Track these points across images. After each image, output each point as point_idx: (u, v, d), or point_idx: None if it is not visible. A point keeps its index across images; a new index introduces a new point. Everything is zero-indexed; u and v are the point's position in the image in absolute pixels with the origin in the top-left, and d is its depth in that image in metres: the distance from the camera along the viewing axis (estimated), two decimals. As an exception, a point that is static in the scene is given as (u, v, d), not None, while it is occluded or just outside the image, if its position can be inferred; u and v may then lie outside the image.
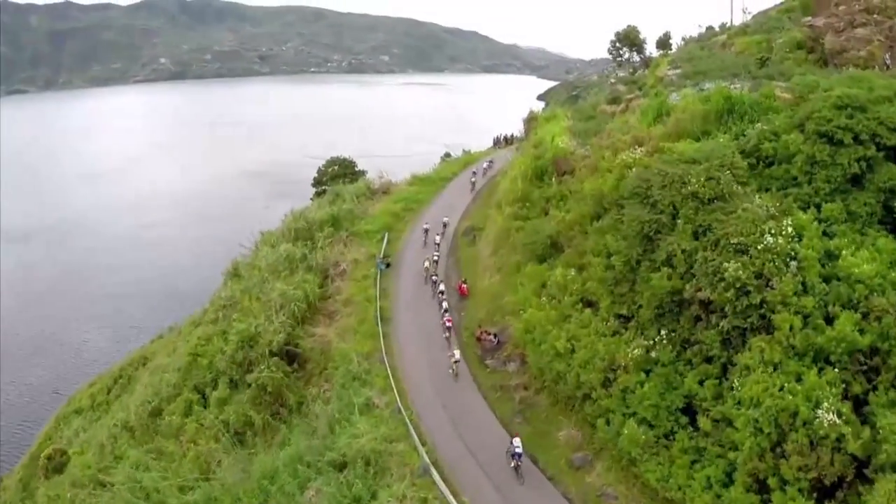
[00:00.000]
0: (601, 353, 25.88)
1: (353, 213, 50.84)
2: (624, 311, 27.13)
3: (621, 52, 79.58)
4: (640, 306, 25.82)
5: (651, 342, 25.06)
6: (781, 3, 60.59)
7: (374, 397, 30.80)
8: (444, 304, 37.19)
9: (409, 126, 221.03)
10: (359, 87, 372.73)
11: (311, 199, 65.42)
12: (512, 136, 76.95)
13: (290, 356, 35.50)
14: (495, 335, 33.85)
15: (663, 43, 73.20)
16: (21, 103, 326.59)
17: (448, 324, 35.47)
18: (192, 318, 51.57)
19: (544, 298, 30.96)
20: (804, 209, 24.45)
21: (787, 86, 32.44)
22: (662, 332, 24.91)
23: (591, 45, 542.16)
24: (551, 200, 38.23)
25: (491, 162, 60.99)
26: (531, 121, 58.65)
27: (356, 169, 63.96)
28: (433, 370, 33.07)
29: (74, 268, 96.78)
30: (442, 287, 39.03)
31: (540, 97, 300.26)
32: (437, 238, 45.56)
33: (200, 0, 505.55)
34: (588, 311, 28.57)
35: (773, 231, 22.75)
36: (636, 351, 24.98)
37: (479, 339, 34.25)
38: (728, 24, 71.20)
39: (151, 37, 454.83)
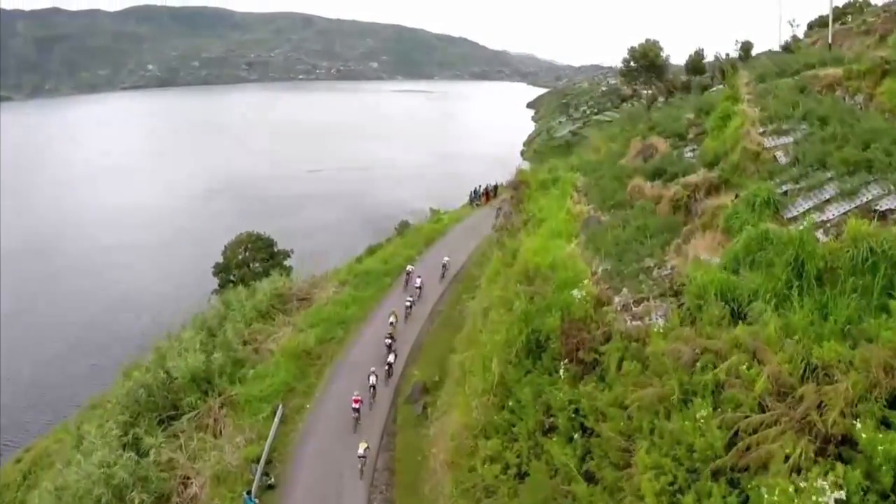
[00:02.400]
0: None
1: (238, 356, 29.48)
2: None
3: (636, 72, 58.48)
4: None
5: None
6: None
7: None
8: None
9: (397, 134, 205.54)
10: (345, 94, 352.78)
11: (212, 292, 44.29)
12: (495, 188, 55.75)
13: None
14: None
15: (745, 51, 52.03)
16: (6, 111, 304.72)
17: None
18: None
19: None
20: None
21: None
22: None
23: (581, 52, 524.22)
24: (564, 411, 17.48)
25: (444, 266, 40.37)
26: (518, 187, 37.58)
27: (275, 250, 42.65)
28: None
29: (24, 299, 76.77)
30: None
31: (530, 104, 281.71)
32: (418, 281, 37.29)
33: (190, 6, 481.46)
34: None
35: None
36: None
37: None
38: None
39: (139, 43, 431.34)
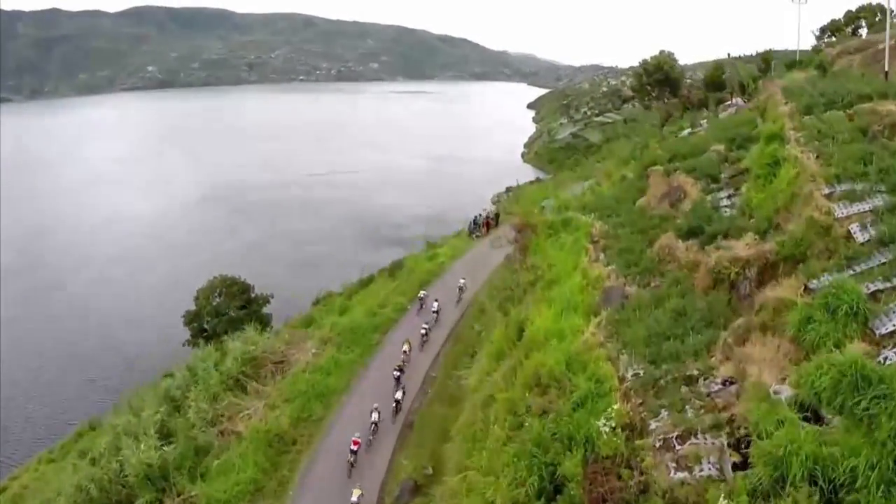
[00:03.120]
0: None
1: (200, 443, 24.94)
2: None
3: (648, 86, 53.72)
4: None
5: None
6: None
7: None
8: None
9: (396, 137, 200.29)
10: (345, 96, 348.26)
11: (185, 343, 39.64)
12: (496, 216, 50.84)
13: None
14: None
15: (765, 62, 47.39)
16: (5, 113, 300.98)
17: None
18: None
19: None
20: None
21: None
22: None
23: (581, 52, 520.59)
24: None
25: (461, 289, 36.27)
26: (524, 230, 32.86)
27: (252, 295, 37.86)
28: None
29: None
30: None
31: (530, 105, 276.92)
32: (435, 305, 35.11)
33: (190, 7, 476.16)
34: None
35: None
36: None
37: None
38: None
39: (140, 44, 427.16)
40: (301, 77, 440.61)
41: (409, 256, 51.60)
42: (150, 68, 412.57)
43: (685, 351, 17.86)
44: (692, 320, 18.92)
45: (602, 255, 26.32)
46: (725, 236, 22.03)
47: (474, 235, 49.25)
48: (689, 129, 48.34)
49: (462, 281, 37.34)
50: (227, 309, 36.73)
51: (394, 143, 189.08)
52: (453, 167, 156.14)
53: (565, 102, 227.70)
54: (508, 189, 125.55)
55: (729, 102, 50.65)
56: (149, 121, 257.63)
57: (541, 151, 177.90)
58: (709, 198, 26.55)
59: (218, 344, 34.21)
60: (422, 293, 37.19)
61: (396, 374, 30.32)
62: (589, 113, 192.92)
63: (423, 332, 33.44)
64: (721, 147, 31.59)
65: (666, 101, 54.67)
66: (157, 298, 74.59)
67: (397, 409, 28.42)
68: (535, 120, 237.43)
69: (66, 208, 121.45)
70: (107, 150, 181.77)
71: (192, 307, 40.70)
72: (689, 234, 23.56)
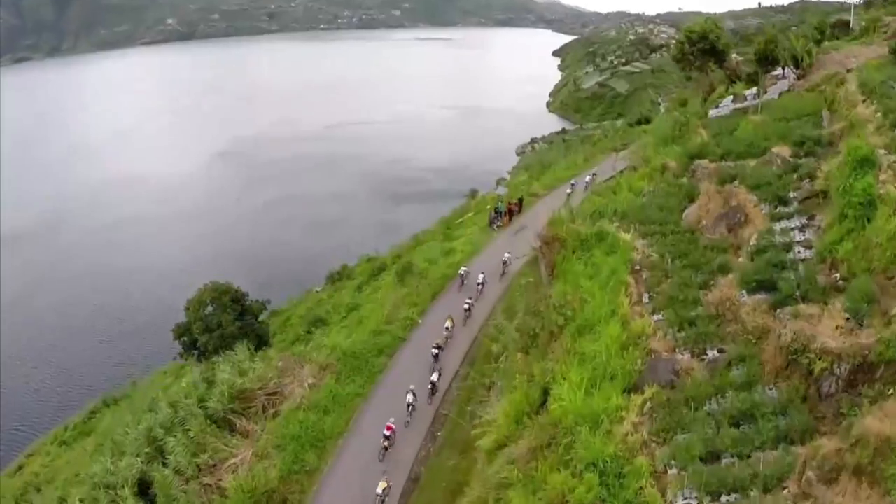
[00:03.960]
0: None
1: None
2: None
3: (691, 56, 47.50)
4: None
5: None
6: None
7: None
8: None
9: (419, 87, 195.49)
10: (368, 43, 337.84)
11: (176, 357, 36.49)
12: (520, 202, 46.08)
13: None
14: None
15: (819, 31, 41.76)
16: (25, 71, 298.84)
17: None
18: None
19: None
20: None
21: None
22: None
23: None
24: None
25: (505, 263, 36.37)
26: (552, 243, 28.34)
27: (246, 302, 34.12)
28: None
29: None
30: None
31: (555, 52, 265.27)
32: (480, 277, 34.58)
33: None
34: None
35: None
36: None
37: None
38: None
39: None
40: (322, 26, 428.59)
41: (422, 247, 47.14)
42: (169, 21, 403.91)
43: (753, 478, 13.56)
44: (763, 433, 14.47)
45: (646, 297, 21.66)
46: (803, 297, 17.25)
47: (496, 226, 44.48)
48: (730, 101, 42.27)
49: (507, 255, 36.82)
50: (218, 322, 33.13)
51: (417, 93, 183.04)
52: (477, 117, 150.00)
53: (591, 50, 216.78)
54: (533, 141, 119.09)
55: (778, 73, 44.35)
56: (167, 76, 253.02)
57: (566, 100, 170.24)
58: (777, 227, 21.51)
59: (209, 366, 30.80)
60: (463, 269, 36.76)
61: (435, 351, 29.38)
62: (616, 62, 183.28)
63: (465, 307, 32.64)
64: (785, 151, 26.18)
65: (711, 71, 48.14)
66: (171, 263, 74.00)
67: (433, 391, 27.54)
68: (560, 68, 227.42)
69: (83, 169, 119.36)
70: (123, 107, 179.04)
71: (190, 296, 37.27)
72: (757, 285, 18.76)
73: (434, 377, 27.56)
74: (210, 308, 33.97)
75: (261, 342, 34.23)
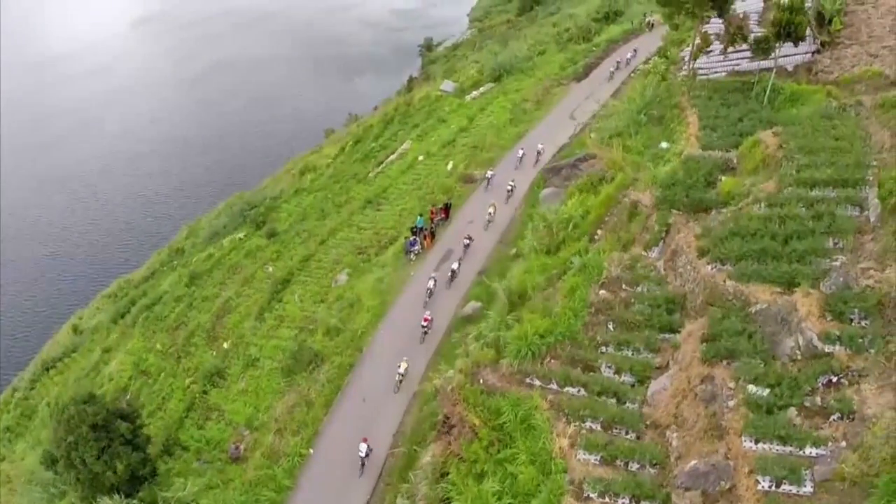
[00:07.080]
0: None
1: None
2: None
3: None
4: None
5: None
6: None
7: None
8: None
9: None
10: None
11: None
12: (446, 209, 36.26)
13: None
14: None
15: None
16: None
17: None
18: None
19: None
20: None
21: None
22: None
23: None
24: None
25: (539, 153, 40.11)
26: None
27: (114, 427, 24.95)
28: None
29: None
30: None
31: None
32: (510, 185, 37.10)
33: None
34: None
35: None
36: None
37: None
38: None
39: None
40: None
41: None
42: None
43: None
44: None
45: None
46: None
47: (412, 255, 34.14)
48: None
49: (540, 146, 39.59)
50: (82, 456, 24.22)
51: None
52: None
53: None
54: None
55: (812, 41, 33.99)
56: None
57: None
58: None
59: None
60: (489, 172, 39.00)
61: (466, 242, 33.08)
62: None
63: (489, 212, 35.05)
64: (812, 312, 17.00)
65: (706, 21, 35.93)
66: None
67: (453, 277, 31.40)
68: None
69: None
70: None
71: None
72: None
73: (454, 265, 31.48)
74: (70, 438, 24.78)
75: (141, 481, 25.88)
